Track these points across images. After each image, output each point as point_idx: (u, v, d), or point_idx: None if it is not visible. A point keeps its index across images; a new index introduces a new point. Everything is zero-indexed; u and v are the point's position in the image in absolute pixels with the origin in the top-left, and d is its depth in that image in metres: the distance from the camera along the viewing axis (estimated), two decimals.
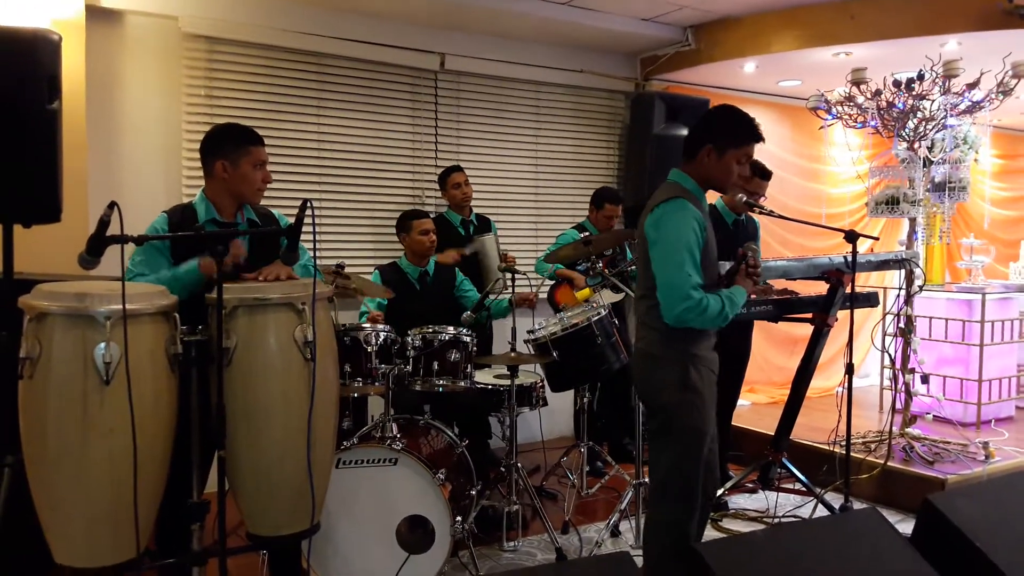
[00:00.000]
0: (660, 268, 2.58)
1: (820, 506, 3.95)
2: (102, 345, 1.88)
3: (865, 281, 6.68)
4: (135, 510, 1.92)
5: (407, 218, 4.13)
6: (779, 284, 4.25)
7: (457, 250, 4.46)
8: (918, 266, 4.48)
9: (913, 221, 4.78)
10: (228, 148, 2.67)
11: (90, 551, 1.96)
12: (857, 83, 4.59)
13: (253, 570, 3.25)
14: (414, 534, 3.05)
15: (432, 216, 4.37)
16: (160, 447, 2.04)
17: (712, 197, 4.41)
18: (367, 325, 3.30)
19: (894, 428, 4.60)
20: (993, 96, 4.43)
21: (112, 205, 1.99)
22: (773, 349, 6.38)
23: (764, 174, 4.26)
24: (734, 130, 2.66)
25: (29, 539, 2.16)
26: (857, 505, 3.83)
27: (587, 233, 4.40)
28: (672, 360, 2.64)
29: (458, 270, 4.30)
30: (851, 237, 3.62)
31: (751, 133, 2.67)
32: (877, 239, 4.33)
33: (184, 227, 2.59)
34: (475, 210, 4.89)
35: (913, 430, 4.71)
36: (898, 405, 4.69)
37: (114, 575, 2.03)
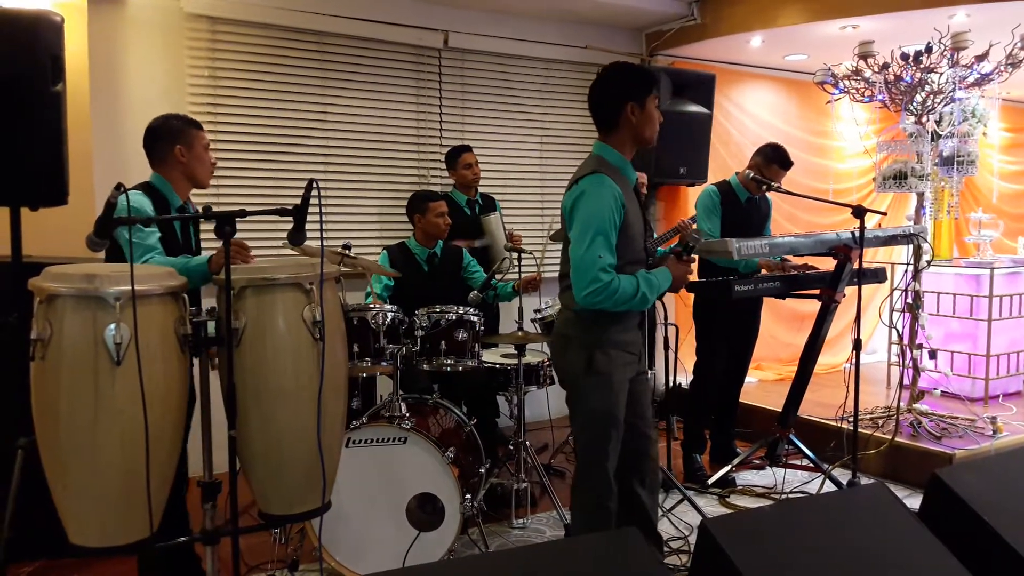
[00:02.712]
0: (574, 247, 2.54)
1: (828, 482, 3.97)
2: (112, 326, 1.88)
3: (873, 256, 6.66)
4: (147, 490, 1.93)
5: (423, 200, 4.11)
6: (799, 261, 4.26)
7: (467, 242, 4.45)
8: (926, 241, 4.46)
9: (921, 196, 4.75)
10: (180, 133, 2.81)
11: (103, 531, 1.97)
12: (864, 56, 4.54)
13: (265, 549, 3.28)
14: (424, 512, 3.08)
15: (440, 193, 4.37)
16: (171, 427, 2.04)
17: (723, 175, 4.43)
18: (374, 305, 3.31)
19: (902, 404, 4.60)
20: (1002, 68, 4.39)
21: (119, 187, 1.99)
22: (780, 325, 6.37)
23: (784, 163, 4.21)
24: (641, 78, 2.65)
25: (44, 520, 2.19)
26: (865, 480, 3.84)
27: None
28: (581, 343, 2.61)
29: (466, 251, 4.30)
30: (859, 212, 3.61)
31: (652, 74, 2.71)
32: (885, 214, 4.32)
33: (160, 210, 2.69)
34: (480, 190, 4.88)
35: (921, 405, 4.71)
36: (906, 381, 4.69)
37: (127, 554, 2.05)
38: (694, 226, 4.25)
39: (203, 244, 3.02)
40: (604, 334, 2.60)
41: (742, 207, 4.28)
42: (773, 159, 4.19)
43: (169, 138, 2.80)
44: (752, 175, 4.13)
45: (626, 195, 2.59)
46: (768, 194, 4.39)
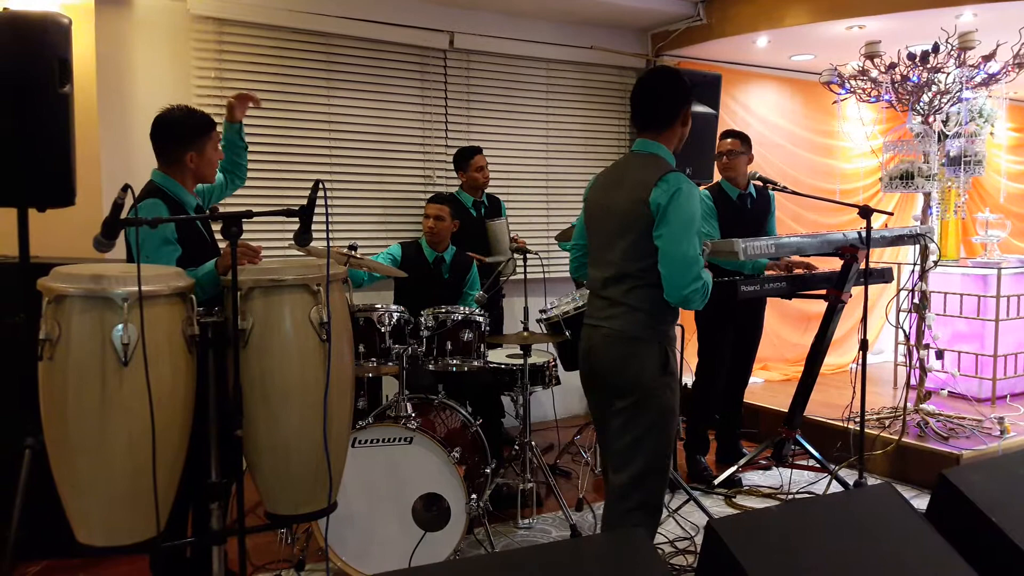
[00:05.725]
0: (675, 243, 2.45)
1: (834, 482, 3.96)
2: (120, 327, 1.89)
3: (879, 257, 6.64)
4: (154, 490, 1.94)
5: (427, 201, 4.20)
6: (796, 259, 4.25)
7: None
8: (933, 241, 4.44)
9: (928, 196, 4.74)
10: (195, 137, 2.69)
11: (110, 530, 1.99)
12: (871, 56, 4.53)
13: (271, 549, 3.29)
14: (430, 512, 3.08)
15: (446, 195, 4.38)
16: (178, 427, 2.05)
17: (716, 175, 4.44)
18: (380, 306, 3.32)
19: (908, 404, 4.58)
20: (1009, 68, 4.37)
21: (126, 188, 2.00)
22: (786, 326, 6.36)
23: (725, 132, 4.41)
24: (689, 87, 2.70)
25: (51, 519, 2.20)
26: (871, 481, 3.84)
27: None
28: (654, 342, 2.56)
29: (475, 266, 4.27)
30: (865, 212, 3.61)
31: None
32: (891, 214, 4.31)
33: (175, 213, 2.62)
34: (486, 190, 4.88)
35: (928, 406, 4.70)
36: (912, 381, 4.68)
37: (134, 554, 2.06)
38: None
39: None
40: (667, 333, 2.61)
41: (734, 204, 4.28)
42: (722, 136, 4.39)
43: (182, 143, 2.68)
44: (756, 173, 4.14)
45: None
46: (771, 192, 4.38)
